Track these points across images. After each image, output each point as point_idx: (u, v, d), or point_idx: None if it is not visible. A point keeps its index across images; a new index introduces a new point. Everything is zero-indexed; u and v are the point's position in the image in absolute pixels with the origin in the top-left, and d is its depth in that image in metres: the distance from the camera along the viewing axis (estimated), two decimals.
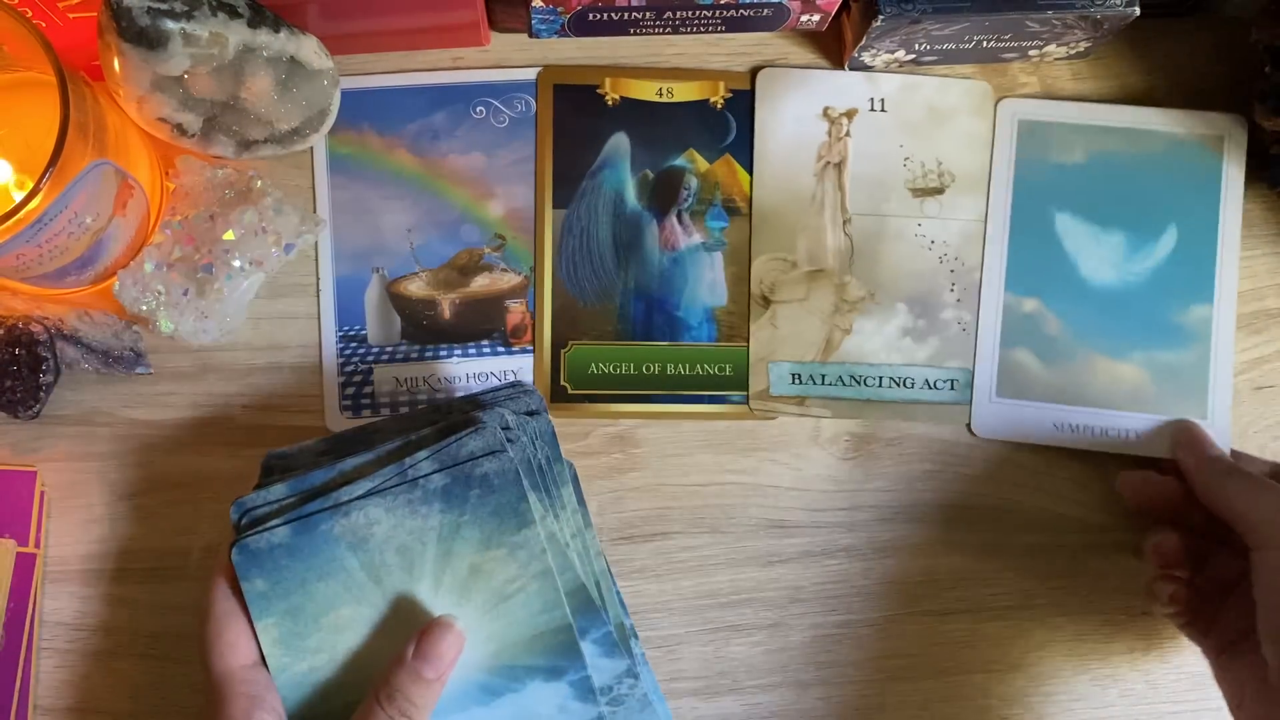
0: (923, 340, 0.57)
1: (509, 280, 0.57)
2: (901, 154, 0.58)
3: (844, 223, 0.57)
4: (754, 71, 0.58)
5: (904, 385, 0.57)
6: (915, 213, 0.57)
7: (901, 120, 0.58)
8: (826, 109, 0.58)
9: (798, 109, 0.58)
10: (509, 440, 0.43)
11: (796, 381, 0.56)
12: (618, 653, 0.44)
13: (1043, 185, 0.57)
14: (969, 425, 0.56)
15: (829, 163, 0.57)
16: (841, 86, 0.58)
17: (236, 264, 0.54)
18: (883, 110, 0.58)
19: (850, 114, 0.58)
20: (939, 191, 0.57)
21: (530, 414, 0.46)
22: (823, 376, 0.56)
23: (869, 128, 0.58)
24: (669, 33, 0.57)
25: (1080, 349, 0.57)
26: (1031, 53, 0.57)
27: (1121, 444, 0.56)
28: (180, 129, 0.52)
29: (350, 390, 0.55)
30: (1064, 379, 0.57)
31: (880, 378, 0.57)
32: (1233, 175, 0.57)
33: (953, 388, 0.57)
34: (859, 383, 0.56)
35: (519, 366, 0.56)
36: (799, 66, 0.58)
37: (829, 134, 0.58)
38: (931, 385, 0.57)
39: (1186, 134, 0.58)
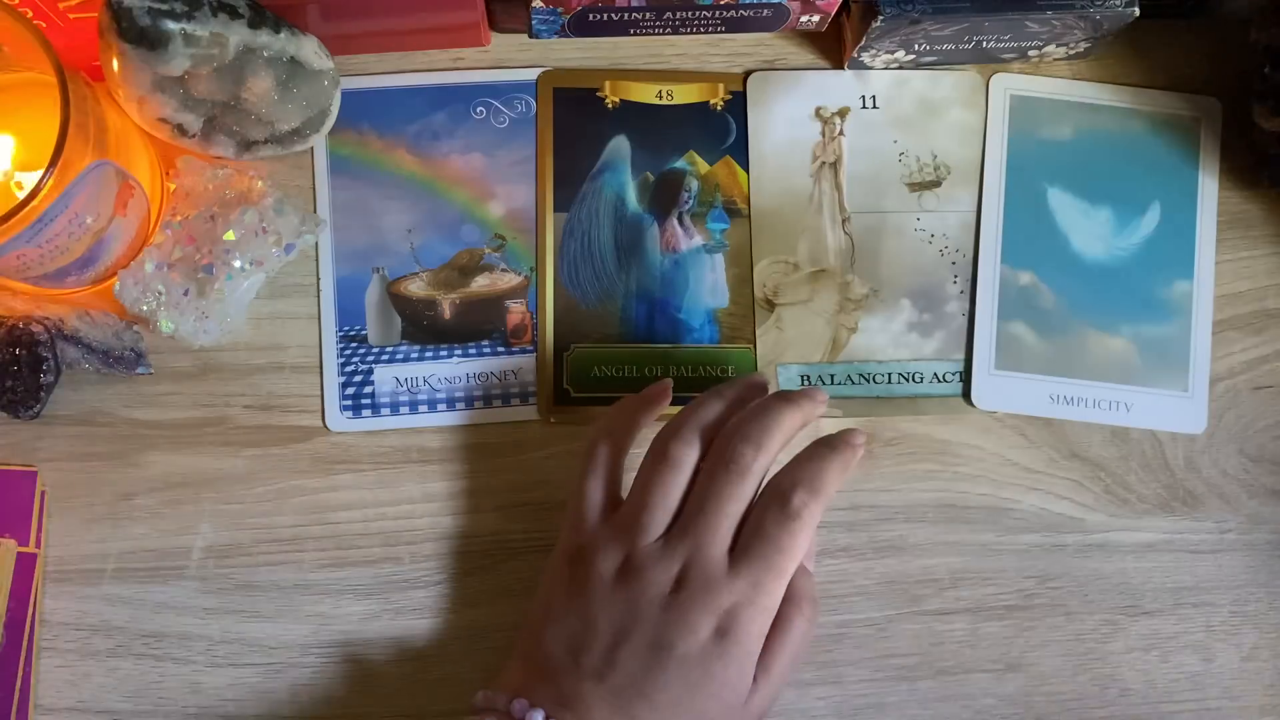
0: (929, 334, 0.57)
1: (509, 280, 0.57)
2: (896, 149, 0.58)
3: (843, 221, 0.57)
4: (746, 75, 0.58)
5: (913, 380, 0.57)
6: (913, 207, 0.57)
7: (894, 116, 0.58)
8: (819, 109, 0.58)
9: (790, 111, 0.58)
10: None
11: (806, 383, 0.56)
12: None
13: (1035, 159, 0.58)
14: (969, 397, 0.56)
15: (824, 162, 0.57)
16: (832, 85, 0.58)
17: (237, 264, 0.54)
18: (874, 107, 0.58)
19: (843, 113, 0.58)
20: (936, 185, 0.57)
21: None
22: (831, 376, 0.56)
23: (862, 125, 0.58)
24: (669, 33, 0.57)
25: (1074, 322, 0.57)
26: (1031, 53, 0.57)
27: (1113, 417, 0.57)
28: (181, 129, 0.52)
29: (350, 390, 0.55)
30: (1058, 352, 0.57)
31: (889, 374, 0.57)
32: (1209, 154, 0.58)
33: (960, 379, 0.57)
34: (868, 380, 0.56)
35: (519, 366, 0.56)
36: (798, 68, 0.58)
37: (823, 134, 0.58)
38: (940, 379, 0.57)
39: (1165, 114, 0.58)
